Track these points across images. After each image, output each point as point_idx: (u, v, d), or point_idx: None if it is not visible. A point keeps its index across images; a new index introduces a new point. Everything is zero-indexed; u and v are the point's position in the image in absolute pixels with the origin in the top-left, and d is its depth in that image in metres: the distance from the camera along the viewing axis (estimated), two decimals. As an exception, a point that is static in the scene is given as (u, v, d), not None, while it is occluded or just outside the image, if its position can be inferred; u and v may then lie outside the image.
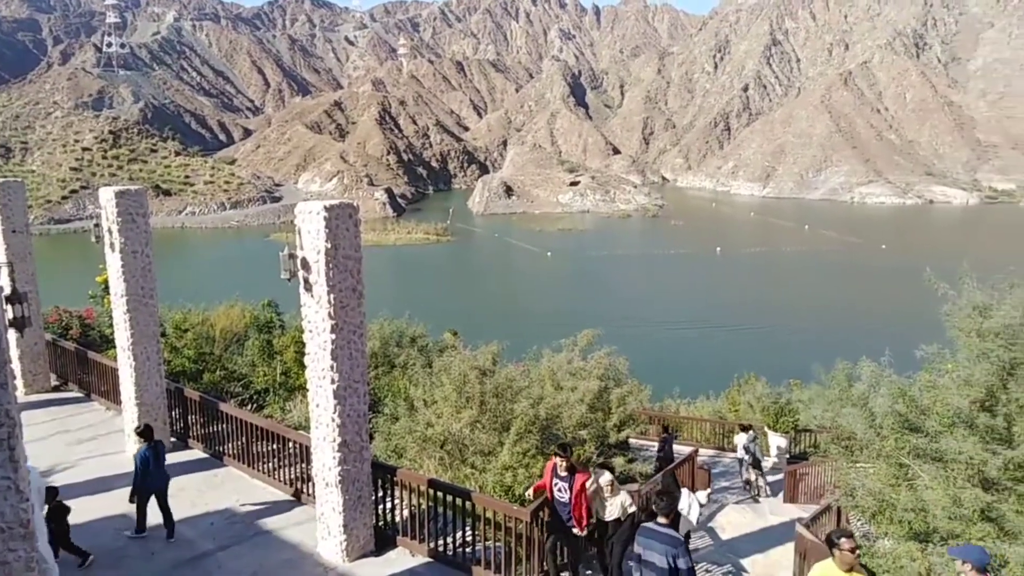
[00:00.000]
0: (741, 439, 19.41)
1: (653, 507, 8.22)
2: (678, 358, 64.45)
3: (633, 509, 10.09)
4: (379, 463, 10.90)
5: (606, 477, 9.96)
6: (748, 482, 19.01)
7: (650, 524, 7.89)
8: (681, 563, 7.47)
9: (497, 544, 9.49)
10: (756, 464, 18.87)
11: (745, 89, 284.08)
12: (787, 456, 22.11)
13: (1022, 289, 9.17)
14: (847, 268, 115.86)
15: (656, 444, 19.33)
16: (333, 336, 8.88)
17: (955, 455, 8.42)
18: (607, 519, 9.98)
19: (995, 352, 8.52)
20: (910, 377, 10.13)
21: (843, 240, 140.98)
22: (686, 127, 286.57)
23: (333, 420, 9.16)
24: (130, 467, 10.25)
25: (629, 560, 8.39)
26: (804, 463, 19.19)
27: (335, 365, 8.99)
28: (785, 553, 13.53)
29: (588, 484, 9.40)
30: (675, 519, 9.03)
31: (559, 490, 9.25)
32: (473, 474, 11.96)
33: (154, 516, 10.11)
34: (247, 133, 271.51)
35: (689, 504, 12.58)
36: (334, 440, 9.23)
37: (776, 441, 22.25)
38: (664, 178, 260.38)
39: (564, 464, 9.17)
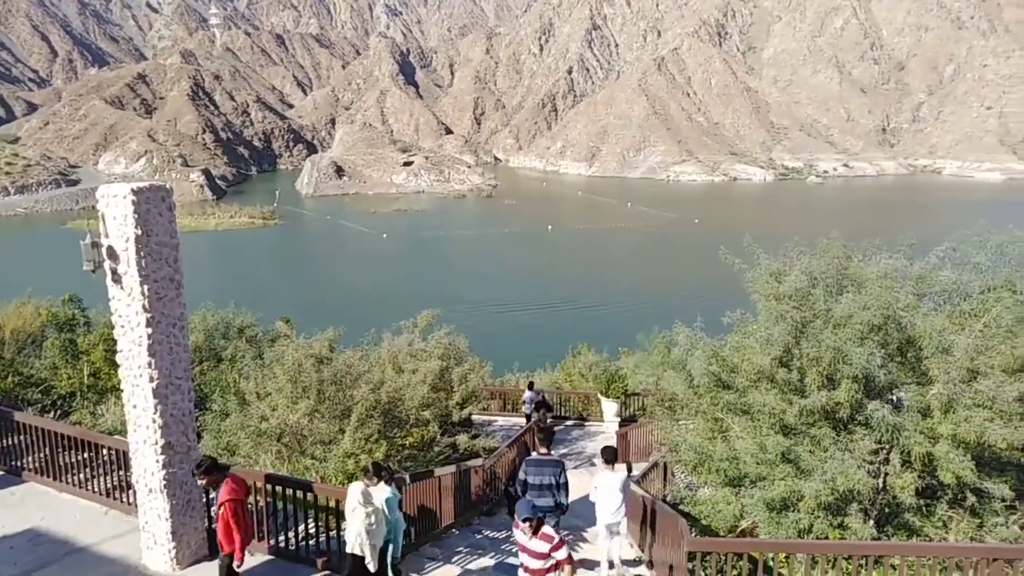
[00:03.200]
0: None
1: (537, 440, 10.09)
2: (517, 335, 66.34)
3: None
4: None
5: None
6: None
7: (534, 455, 9.99)
8: (562, 479, 9.69)
9: (342, 533, 9.29)
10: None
11: (570, 72, 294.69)
12: (619, 419, 23.54)
13: (807, 257, 10.38)
14: (666, 241, 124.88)
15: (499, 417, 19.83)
16: (149, 330, 8.15)
17: (760, 407, 9.41)
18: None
19: (789, 313, 9.57)
20: (722, 339, 11.14)
21: (661, 215, 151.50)
22: (516, 108, 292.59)
23: (154, 421, 8.44)
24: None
25: (515, 487, 10.10)
26: (633, 425, 20.55)
27: (153, 362, 8.27)
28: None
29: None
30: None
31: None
32: (314, 464, 11.60)
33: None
34: (32, 108, 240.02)
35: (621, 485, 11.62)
36: (156, 443, 8.51)
37: (608, 406, 23.60)
38: (496, 158, 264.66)
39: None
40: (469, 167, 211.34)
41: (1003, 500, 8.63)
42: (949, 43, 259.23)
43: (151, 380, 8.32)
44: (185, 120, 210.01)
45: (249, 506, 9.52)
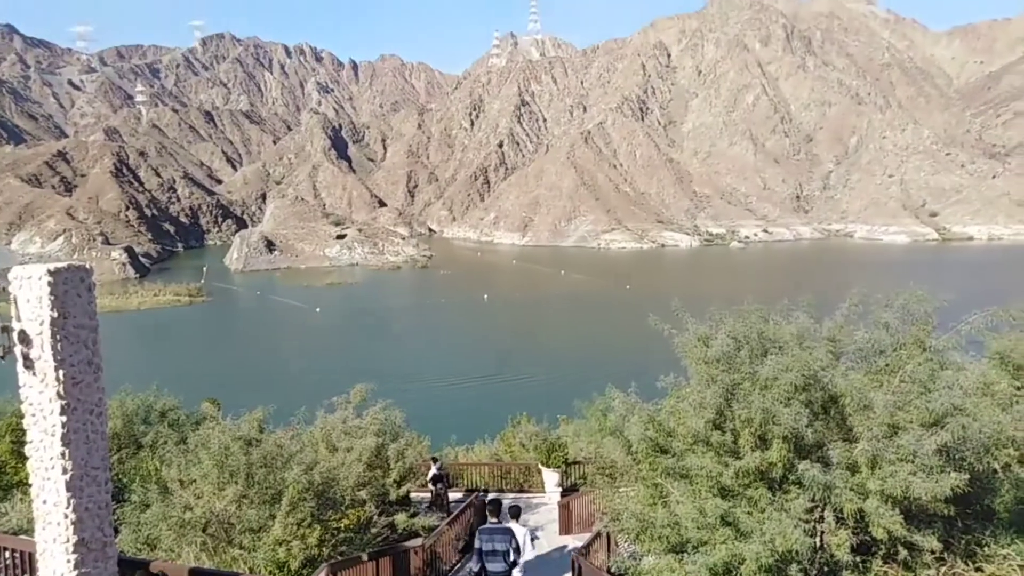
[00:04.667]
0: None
1: (488, 512, 11.51)
2: (454, 407, 65.41)
3: None
4: (127, 559, 9.54)
5: None
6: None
7: (487, 525, 11.13)
8: (513, 543, 10.80)
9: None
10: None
11: (500, 145, 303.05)
12: (560, 489, 23.27)
13: (731, 320, 10.76)
14: (599, 308, 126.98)
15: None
16: (64, 418, 7.67)
17: (698, 470, 9.50)
18: None
19: (719, 377, 9.82)
20: (657, 404, 11.29)
21: (593, 282, 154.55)
22: (448, 180, 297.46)
23: (67, 517, 7.85)
24: None
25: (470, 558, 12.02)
26: (575, 494, 20.33)
27: (67, 452, 7.75)
28: (564, 584, 14.15)
29: None
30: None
31: None
32: (242, 555, 10.97)
33: None
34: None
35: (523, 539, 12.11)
36: (68, 540, 7.89)
37: (549, 476, 23.34)
38: (431, 229, 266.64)
39: None
40: (403, 239, 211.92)
41: (932, 552, 8.87)
42: (851, 116, 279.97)
43: (64, 472, 7.78)
44: (108, 197, 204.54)
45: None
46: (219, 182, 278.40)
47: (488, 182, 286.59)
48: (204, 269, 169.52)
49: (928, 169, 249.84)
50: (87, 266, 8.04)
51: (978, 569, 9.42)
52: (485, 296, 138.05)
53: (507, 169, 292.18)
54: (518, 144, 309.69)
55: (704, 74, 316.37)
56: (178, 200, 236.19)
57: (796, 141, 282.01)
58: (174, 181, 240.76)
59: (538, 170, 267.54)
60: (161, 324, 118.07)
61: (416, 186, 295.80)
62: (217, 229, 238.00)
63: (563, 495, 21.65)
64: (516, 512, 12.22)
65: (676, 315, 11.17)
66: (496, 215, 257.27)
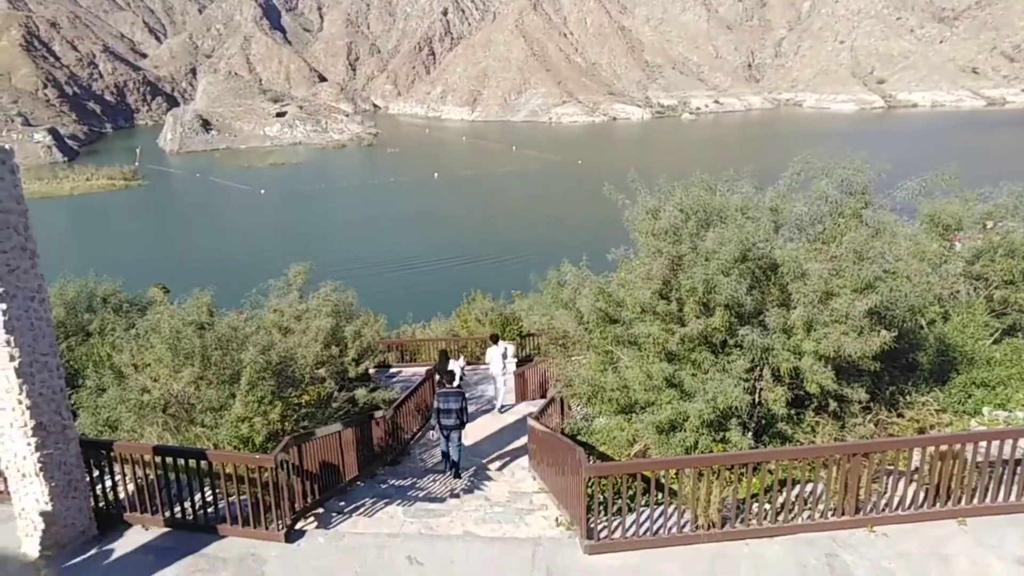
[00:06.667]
0: (495, 352, 19.00)
1: (445, 380, 14.30)
2: (409, 288, 65.73)
3: None
4: (89, 440, 9.70)
5: None
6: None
7: (444, 389, 13.58)
8: (464, 404, 13.43)
9: (243, 497, 9.11)
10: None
11: (445, 13, 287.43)
12: (515, 360, 24.06)
13: (680, 192, 10.87)
14: (552, 183, 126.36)
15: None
16: (4, 305, 7.48)
17: (645, 338, 9.92)
18: None
19: (665, 249, 10.05)
20: (608, 276, 11.55)
21: (545, 158, 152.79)
22: (391, 52, 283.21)
23: (21, 402, 7.84)
24: None
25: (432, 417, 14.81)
26: (529, 364, 21.10)
27: (13, 339, 7.63)
28: (521, 445, 14.98)
29: None
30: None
31: None
32: (205, 432, 11.20)
33: None
34: None
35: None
36: (25, 424, 7.93)
37: (506, 348, 23.99)
38: (376, 105, 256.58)
39: None
40: (347, 116, 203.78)
41: (860, 403, 9.61)
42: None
43: (12, 359, 7.69)
44: (21, 74, 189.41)
45: (140, 480, 9.14)
46: (144, 56, 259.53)
47: (433, 53, 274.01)
48: (138, 151, 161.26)
49: (878, 35, 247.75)
50: (6, 147, 7.55)
51: (899, 415, 10.28)
52: (435, 174, 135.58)
53: (453, 39, 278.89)
54: (463, 12, 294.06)
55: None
56: (100, 77, 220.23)
57: (749, 6, 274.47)
58: (94, 56, 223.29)
59: (485, 40, 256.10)
60: (96, 210, 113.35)
61: (357, 59, 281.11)
62: (147, 108, 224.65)
63: (518, 365, 22.39)
64: (494, 338, 19.28)
65: (631, 187, 11.21)
66: (443, 89, 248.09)
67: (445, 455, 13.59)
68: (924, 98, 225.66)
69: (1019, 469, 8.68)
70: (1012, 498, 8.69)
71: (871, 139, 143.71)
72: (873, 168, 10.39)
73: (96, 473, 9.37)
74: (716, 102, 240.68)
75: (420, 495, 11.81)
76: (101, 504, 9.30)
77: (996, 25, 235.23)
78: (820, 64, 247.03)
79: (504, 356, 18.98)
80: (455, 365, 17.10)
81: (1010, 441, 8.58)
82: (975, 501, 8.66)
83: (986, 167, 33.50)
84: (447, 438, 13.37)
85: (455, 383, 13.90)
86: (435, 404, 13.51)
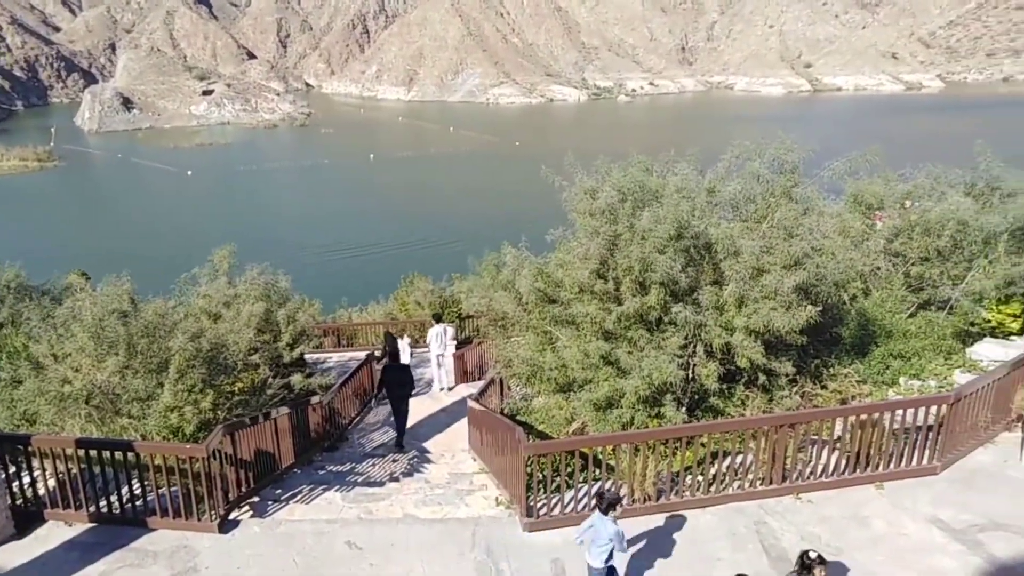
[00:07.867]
0: (435, 332, 18.84)
1: (389, 356, 15.50)
2: (346, 272, 64.63)
3: None
4: (5, 435, 9.22)
5: None
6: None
7: (393, 364, 14.65)
8: (409, 376, 14.56)
9: (174, 489, 8.83)
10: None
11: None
12: (455, 342, 23.99)
13: (617, 173, 10.99)
14: (489, 165, 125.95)
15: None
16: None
17: (583, 317, 10.03)
18: None
19: (602, 228, 10.15)
20: (546, 257, 11.61)
21: (483, 139, 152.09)
22: (324, 29, 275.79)
23: (-75, 400, 7.38)
24: None
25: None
26: (468, 346, 21.08)
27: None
28: (461, 426, 14.98)
29: None
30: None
31: None
32: (132, 424, 10.78)
33: None
34: None
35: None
36: (-68, 423, 7.47)
37: (445, 328, 23.86)
38: (308, 84, 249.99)
39: None
40: (278, 95, 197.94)
41: (787, 376, 9.99)
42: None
43: (-86, 353, 7.21)
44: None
45: (62, 475, 8.75)
46: (57, 30, 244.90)
47: (368, 31, 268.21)
48: (52, 130, 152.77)
49: (805, 19, 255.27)
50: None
51: (823, 387, 10.74)
52: (371, 156, 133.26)
53: (387, 17, 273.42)
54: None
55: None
56: (8, 50, 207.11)
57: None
58: (0, 28, 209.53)
59: (421, 18, 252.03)
60: (6, 193, 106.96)
61: (288, 36, 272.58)
62: (62, 85, 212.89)
63: (458, 347, 22.33)
64: (437, 318, 19.29)
65: (568, 169, 11.26)
66: (378, 68, 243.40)
67: (401, 432, 14.18)
68: (848, 82, 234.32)
69: (930, 435, 9.20)
70: (924, 462, 9.21)
71: (801, 123, 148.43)
72: (802, 149, 10.75)
73: (13, 469, 8.92)
74: (651, 84, 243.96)
75: (359, 480, 11.68)
76: (19, 502, 8.87)
77: (913, 12, 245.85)
78: (750, 48, 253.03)
79: (444, 336, 18.94)
80: (402, 344, 18.84)
81: (923, 408, 9.09)
82: (891, 466, 9.14)
83: (905, 150, 35.06)
84: (397, 410, 14.14)
85: (403, 360, 15.36)
86: (384, 378, 14.37)
